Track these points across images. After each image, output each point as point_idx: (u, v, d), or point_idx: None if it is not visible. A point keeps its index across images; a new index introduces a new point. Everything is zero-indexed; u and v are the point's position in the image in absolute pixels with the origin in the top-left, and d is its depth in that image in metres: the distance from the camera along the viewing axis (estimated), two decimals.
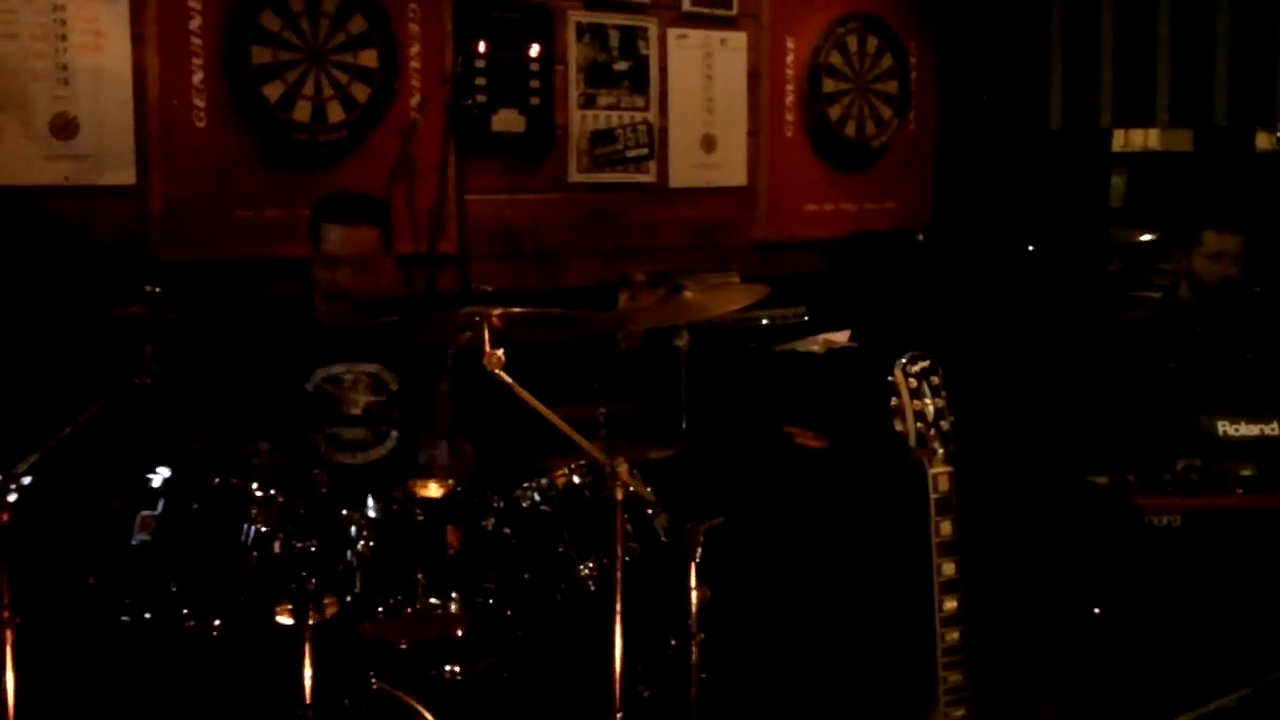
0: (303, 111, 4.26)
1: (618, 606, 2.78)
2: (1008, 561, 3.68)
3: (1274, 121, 5.07)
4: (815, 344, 4.55)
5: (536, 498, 3.03)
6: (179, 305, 2.89)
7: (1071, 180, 5.51)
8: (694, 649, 3.00)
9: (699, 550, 3.05)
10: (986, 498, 3.39)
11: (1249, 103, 4.96)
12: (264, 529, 2.82)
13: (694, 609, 3.01)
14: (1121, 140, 5.67)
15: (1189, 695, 2.76)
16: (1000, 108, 5.64)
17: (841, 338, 4.63)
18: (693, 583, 3.04)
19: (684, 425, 3.66)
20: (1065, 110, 5.48)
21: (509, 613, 2.90)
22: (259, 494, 2.85)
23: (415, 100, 4.50)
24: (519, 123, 4.68)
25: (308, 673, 2.68)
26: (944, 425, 2.63)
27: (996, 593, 3.39)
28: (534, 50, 4.69)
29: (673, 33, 5.01)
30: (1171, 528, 3.30)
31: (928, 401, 2.63)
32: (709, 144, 5.15)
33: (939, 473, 2.60)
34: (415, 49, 4.50)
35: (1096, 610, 3.60)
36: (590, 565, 3.00)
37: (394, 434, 3.47)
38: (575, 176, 4.85)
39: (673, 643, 3.08)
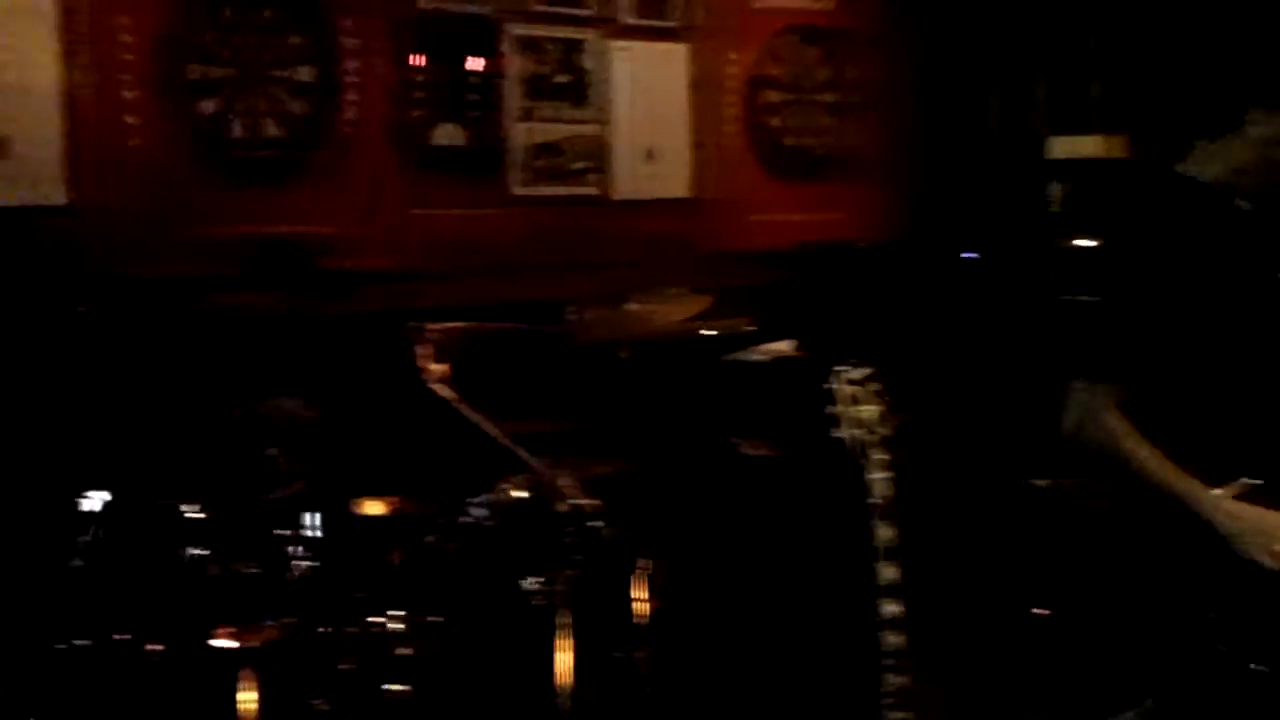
0: (239, 128, 4.22)
1: (564, 621, 2.78)
2: (956, 565, 3.70)
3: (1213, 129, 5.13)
4: (762, 354, 4.56)
5: (481, 513, 3.02)
6: (109, 325, 2.86)
7: (1012, 188, 5.56)
8: (641, 661, 3.01)
9: (646, 563, 3.07)
10: (934, 502, 3.41)
11: (1182, 110, 5.03)
12: (202, 551, 2.80)
13: (641, 621, 3.02)
14: (1060, 147, 5.72)
15: (1129, 694, 2.78)
16: (943, 116, 5.69)
17: (788, 348, 4.63)
18: (639, 595, 3.05)
19: (631, 437, 3.66)
20: (1004, 118, 5.53)
21: (454, 630, 2.89)
22: (197, 516, 2.82)
23: (355, 115, 4.47)
24: (460, 137, 4.67)
25: (250, 696, 2.65)
26: (885, 431, 2.65)
27: (945, 596, 3.40)
28: (475, 64, 4.68)
29: (614, 45, 5.00)
30: (1112, 526, 3.32)
31: (868, 408, 2.66)
32: (652, 156, 5.15)
33: (879, 478, 2.62)
34: (354, 64, 4.47)
35: (1042, 610, 3.63)
36: (537, 580, 2.99)
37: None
38: (519, 190, 4.83)
39: (620, 655, 3.08)
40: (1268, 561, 2.38)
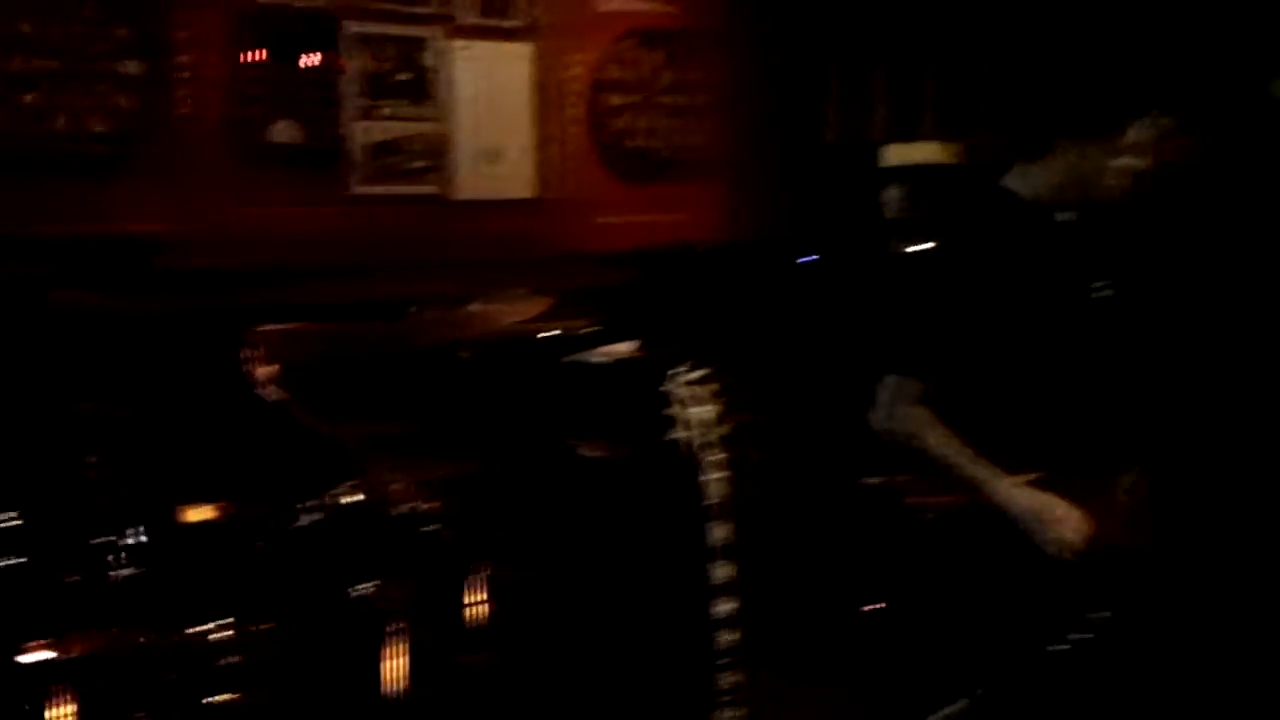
0: (64, 122, 4.07)
1: (399, 626, 2.74)
2: (791, 562, 3.75)
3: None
4: (603, 355, 4.57)
5: (314, 518, 2.97)
6: None
7: (850, 191, 5.68)
8: (478, 664, 2.99)
9: (483, 566, 3.05)
10: (770, 501, 3.45)
11: (1013, 117, 5.19)
12: (20, 560, 2.69)
13: (478, 624, 3.00)
14: (895, 154, 5.86)
15: (959, 686, 2.86)
16: (786, 120, 5.77)
17: (629, 349, 4.66)
18: (477, 599, 3.04)
19: (470, 439, 3.63)
20: (841, 124, 5.64)
21: (284, 638, 2.83)
22: (12, 524, 2.72)
23: (188, 111, 4.36)
24: (298, 134, 4.58)
25: (66, 711, 2.56)
26: (722, 432, 2.68)
27: (786, 593, 3.45)
28: (313, 60, 4.60)
29: (455, 44, 4.96)
30: (941, 524, 3.40)
31: (704, 409, 2.69)
32: (495, 156, 5.11)
33: (715, 478, 2.65)
34: (187, 57, 4.35)
35: (877, 605, 3.70)
36: (371, 585, 2.95)
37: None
38: (357, 189, 4.76)
39: (457, 660, 3.05)
40: (1052, 546, 2.49)
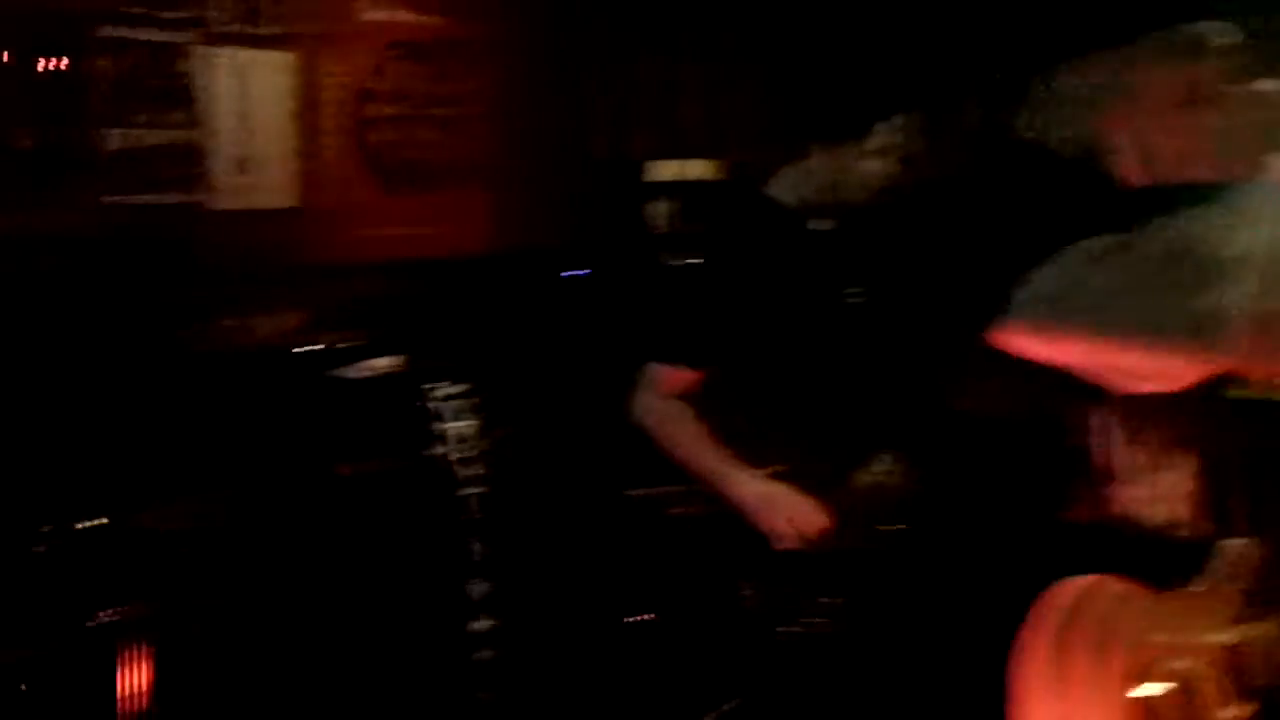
0: None
1: (142, 654, 2.65)
2: (554, 576, 3.76)
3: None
4: (367, 370, 4.50)
5: (54, 542, 2.84)
6: None
7: (619, 206, 5.75)
8: (231, 689, 2.91)
9: (234, 587, 2.97)
10: (532, 515, 3.46)
11: (775, 126, 5.34)
12: None
13: (228, 649, 2.92)
14: (663, 169, 5.96)
15: (718, 695, 2.92)
16: (552, 134, 5.80)
17: (391, 364, 4.59)
18: (229, 621, 2.96)
19: (223, 456, 3.52)
20: (609, 138, 5.71)
21: (17, 667, 2.70)
22: None
23: None
24: (44, 140, 4.37)
25: None
26: (480, 447, 2.69)
27: (542, 607, 3.45)
28: (60, 64, 4.40)
29: (210, 50, 4.81)
30: (699, 530, 3.46)
31: (464, 424, 2.70)
32: (254, 165, 4.98)
33: (471, 493, 2.66)
34: None
35: (643, 616, 3.74)
36: (113, 612, 2.83)
37: None
38: (108, 198, 4.56)
39: (207, 686, 2.96)
40: (779, 535, 2.58)
